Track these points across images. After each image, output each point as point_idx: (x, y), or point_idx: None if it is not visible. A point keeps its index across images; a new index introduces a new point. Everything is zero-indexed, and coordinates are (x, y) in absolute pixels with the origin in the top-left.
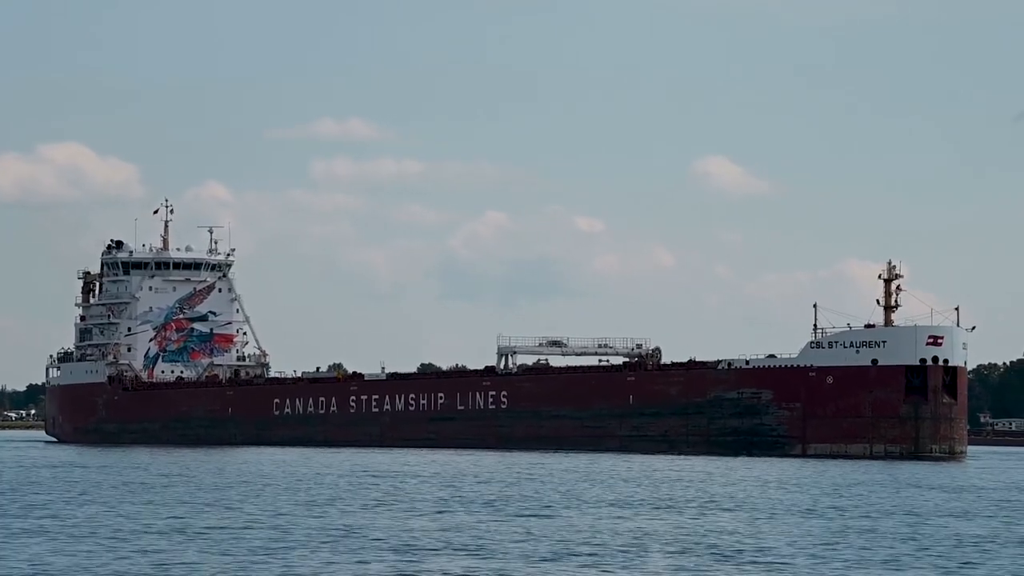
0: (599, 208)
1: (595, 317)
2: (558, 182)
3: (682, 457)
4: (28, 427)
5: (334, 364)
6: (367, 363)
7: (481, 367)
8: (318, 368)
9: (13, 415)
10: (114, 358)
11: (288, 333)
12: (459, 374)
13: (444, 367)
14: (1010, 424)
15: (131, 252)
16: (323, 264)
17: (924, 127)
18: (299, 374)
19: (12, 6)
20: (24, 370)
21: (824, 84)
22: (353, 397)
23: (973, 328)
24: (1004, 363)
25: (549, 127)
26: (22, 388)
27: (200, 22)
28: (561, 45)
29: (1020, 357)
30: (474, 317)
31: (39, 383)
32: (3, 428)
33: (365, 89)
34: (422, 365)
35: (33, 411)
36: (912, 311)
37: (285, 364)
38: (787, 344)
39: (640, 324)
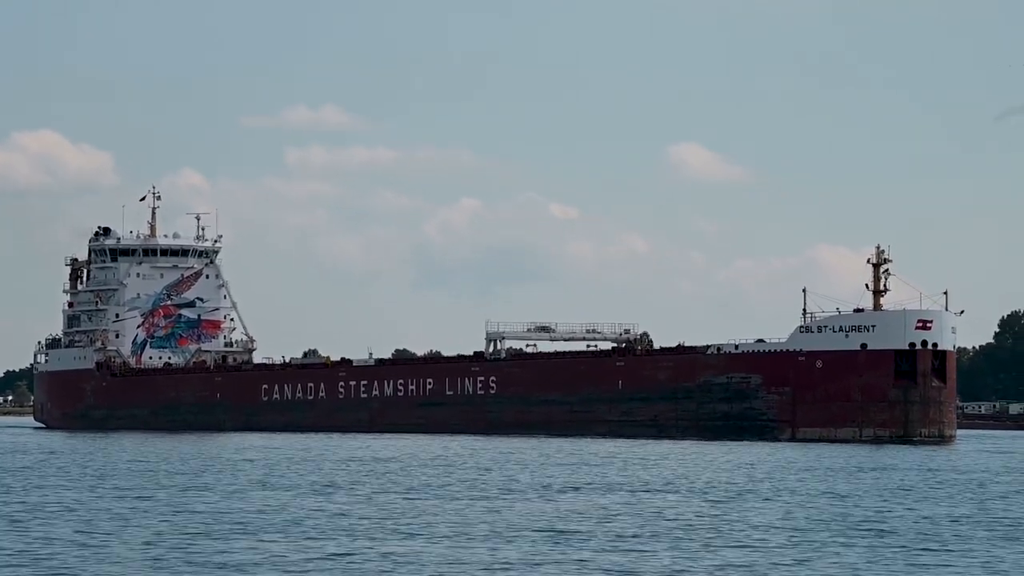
0: (573, 195)
1: (569, 303)
2: (532, 169)
3: (671, 441)
4: (6, 413)
5: (309, 350)
6: (341, 349)
7: (455, 353)
8: (305, 354)
9: None
10: (102, 344)
11: (263, 320)
12: (448, 360)
13: (419, 353)
14: (979, 407)
15: (118, 239)
16: (298, 251)
17: (897, 116)
18: (287, 359)
19: None
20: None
21: (797, 71)
22: (342, 383)
23: (962, 312)
24: (973, 347)
25: (523, 114)
26: None
27: (174, 11)
28: (535, 34)
29: (989, 341)
30: (448, 303)
31: (15, 369)
32: None
33: (338, 76)
34: (396, 351)
35: (10, 397)
36: (899, 296)
37: (261, 351)
38: (762, 328)
39: (614, 310)
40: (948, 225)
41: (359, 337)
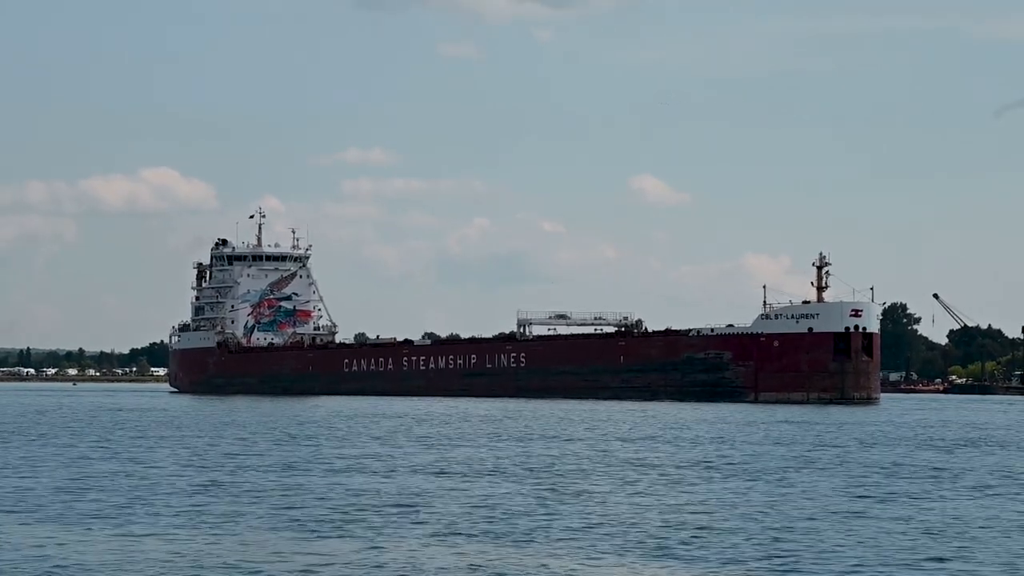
0: (560, 214)
1: (557, 297)
2: (528, 195)
3: (659, 403)
4: (132, 380)
5: (359, 334)
6: (383, 332)
7: (469, 334)
8: (355, 336)
9: (120, 371)
10: (221, 328)
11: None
12: (486, 340)
13: (443, 335)
14: None
15: (233, 248)
16: (350, 258)
17: (805, 153)
18: (362, 340)
19: (120, 63)
20: (126, 336)
21: (727, 119)
22: (405, 358)
23: (884, 303)
24: None
25: (521, 154)
26: (126, 351)
27: (260, 78)
28: (532, 92)
29: None
30: (463, 297)
31: (138, 347)
32: (116, 381)
33: (382, 126)
34: (425, 334)
35: (134, 368)
36: (837, 291)
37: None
38: (707, 316)
39: (590, 302)
40: (841, 239)
41: (396, 322)
